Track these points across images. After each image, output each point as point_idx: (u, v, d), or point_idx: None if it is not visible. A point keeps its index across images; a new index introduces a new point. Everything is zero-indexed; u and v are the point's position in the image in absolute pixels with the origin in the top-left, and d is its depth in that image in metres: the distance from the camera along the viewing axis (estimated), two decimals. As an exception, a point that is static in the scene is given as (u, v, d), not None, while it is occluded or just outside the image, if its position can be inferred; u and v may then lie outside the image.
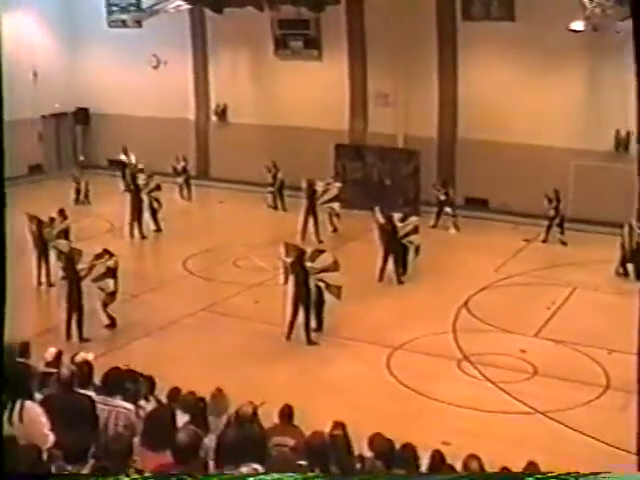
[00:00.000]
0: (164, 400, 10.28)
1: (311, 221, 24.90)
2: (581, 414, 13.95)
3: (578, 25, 23.26)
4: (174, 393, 10.33)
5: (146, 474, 6.89)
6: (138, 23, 30.82)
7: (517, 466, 8.74)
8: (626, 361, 15.89)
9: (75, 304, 17.12)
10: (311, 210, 24.98)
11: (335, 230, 25.61)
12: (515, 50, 26.96)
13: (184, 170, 30.28)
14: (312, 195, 25.13)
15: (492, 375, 15.52)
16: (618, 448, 12.45)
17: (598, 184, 25.21)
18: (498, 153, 27.26)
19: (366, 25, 29.23)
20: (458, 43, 28.03)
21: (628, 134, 25.71)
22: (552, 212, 24.72)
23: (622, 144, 25.97)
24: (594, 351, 16.49)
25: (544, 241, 24.78)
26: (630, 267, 21.53)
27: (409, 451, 8.93)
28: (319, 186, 25.27)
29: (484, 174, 27.54)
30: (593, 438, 13.02)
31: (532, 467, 8.93)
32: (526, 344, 17.01)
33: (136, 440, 7.87)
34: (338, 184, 25.84)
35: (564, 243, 24.50)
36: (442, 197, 26.40)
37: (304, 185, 25.28)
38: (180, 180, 30.08)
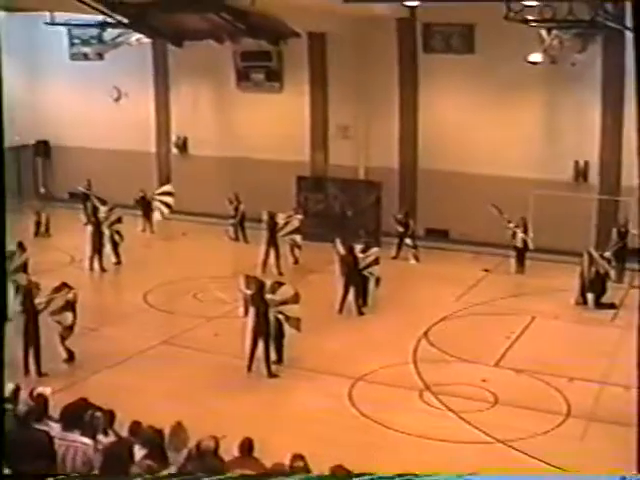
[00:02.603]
0: (124, 434, 10.20)
1: (272, 253, 24.85)
2: (542, 443, 13.97)
3: (536, 57, 23.59)
4: (135, 427, 10.26)
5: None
6: (100, 56, 30.69)
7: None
8: (586, 389, 16.16)
9: (32, 338, 16.91)
10: (272, 242, 24.94)
11: (296, 262, 25.60)
12: (475, 82, 27.25)
13: (148, 203, 30.07)
14: (273, 227, 25.08)
15: (453, 405, 15.52)
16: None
17: (557, 214, 25.34)
18: (458, 184, 27.42)
19: (327, 57, 29.42)
20: (419, 75, 28.27)
21: (586, 164, 26.07)
22: (520, 243, 24.81)
23: (581, 174, 26.30)
24: (554, 379, 16.57)
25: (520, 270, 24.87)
26: (589, 296, 21.69)
27: (369, 482, 8.89)
28: (280, 218, 25.22)
29: (444, 205, 27.73)
30: (554, 466, 13.00)
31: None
32: (487, 373, 17.04)
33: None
34: (299, 216, 25.77)
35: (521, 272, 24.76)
36: (402, 228, 26.45)
37: (265, 217, 25.21)
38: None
